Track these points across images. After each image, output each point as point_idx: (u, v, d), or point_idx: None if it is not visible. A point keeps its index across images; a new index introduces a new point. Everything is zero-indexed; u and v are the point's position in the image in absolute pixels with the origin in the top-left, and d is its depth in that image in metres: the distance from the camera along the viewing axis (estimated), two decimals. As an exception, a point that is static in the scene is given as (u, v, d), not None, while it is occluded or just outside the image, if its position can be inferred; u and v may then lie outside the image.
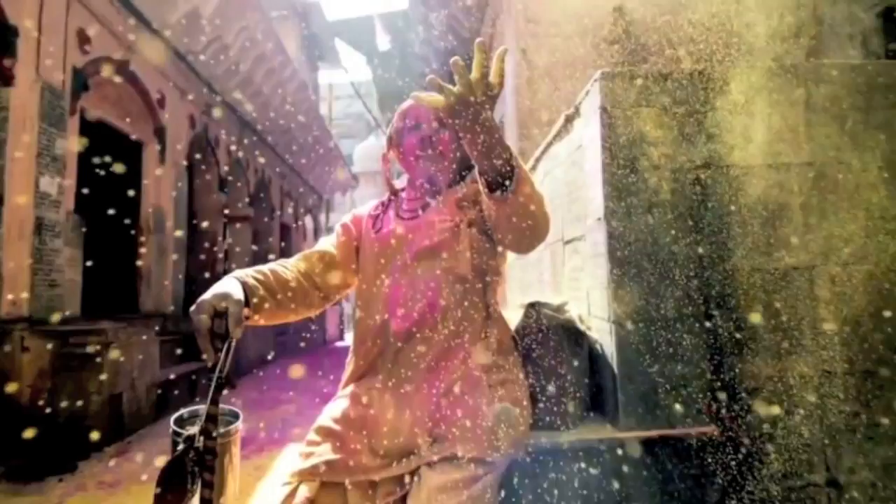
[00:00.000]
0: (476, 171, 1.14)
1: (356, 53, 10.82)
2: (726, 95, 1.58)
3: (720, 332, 1.55)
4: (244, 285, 1.22)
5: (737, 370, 1.55)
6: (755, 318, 1.55)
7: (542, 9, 4.83)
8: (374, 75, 11.05)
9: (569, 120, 2.03)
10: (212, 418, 1.09)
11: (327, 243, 1.54)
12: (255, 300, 1.23)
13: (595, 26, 4.66)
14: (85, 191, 4.87)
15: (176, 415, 1.19)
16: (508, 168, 1.10)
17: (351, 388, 1.42)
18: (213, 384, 1.08)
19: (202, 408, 1.10)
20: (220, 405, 1.13)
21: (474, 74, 1.01)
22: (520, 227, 1.16)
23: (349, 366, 1.48)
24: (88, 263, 4.99)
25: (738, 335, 1.55)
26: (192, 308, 1.11)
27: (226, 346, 1.10)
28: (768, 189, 1.57)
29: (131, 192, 5.86)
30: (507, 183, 1.10)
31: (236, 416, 1.25)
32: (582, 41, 4.69)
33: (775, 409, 1.56)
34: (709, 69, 1.63)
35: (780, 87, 1.58)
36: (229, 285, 1.17)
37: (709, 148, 1.58)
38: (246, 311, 1.18)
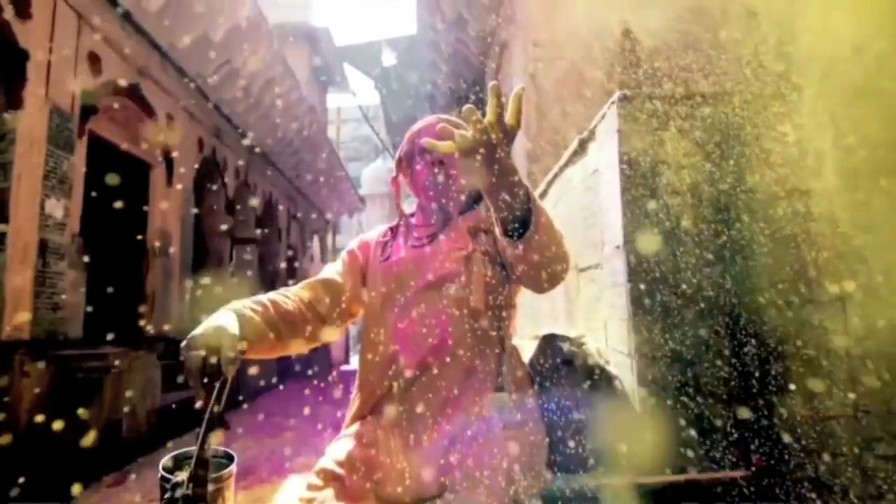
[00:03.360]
0: (491, 208, 1.08)
1: (364, 77, 10.92)
2: (752, 118, 1.50)
3: (749, 368, 1.45)
4: (240, 318, 1.14)
5: (768, 409, 1.45)
6: (786, 353, 1.45)
7: (550, 33, 4.82)
8: (382, 99, 11.14)
9: (583, 143, 1.96)
10: (202, 463, 1.00)
11: (332, 271, 1.47)
12: (251, 334, 1.16)
13: (603, 50, 4.64)
14: (91, 213, 4.84)
15: (166, 458, 1.10)
16: (526, 211, 1.03)
17: (356, 426, 1.33)
18: (203, 426, 0.99)
19: (194, 449, 1.02)
20: (214, 446, 1.05)
21: (489, 118, 0.96)
22: (538, 270, 1.09)
23: (354, 402, 1.40)
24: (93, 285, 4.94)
25: (768, 372, 1.45)
26: (183, 344, 1.03)
27: (218, 385, 1.02)
28: (799, 215, 1.48)
29: (138, 215, 5.84)
30: (525, 227, 1.03)
31: (230, 459, 1.16)
32: (590, 65, 4.67)
33: (810, 452, 1.45)
34: (729, 92, 1.56)
35: (809, 109, 1.50)
36: (223, 318, 1.10)
37: (734, 172, 1.50)
38: (242, 345, 1.11)
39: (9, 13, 3.86)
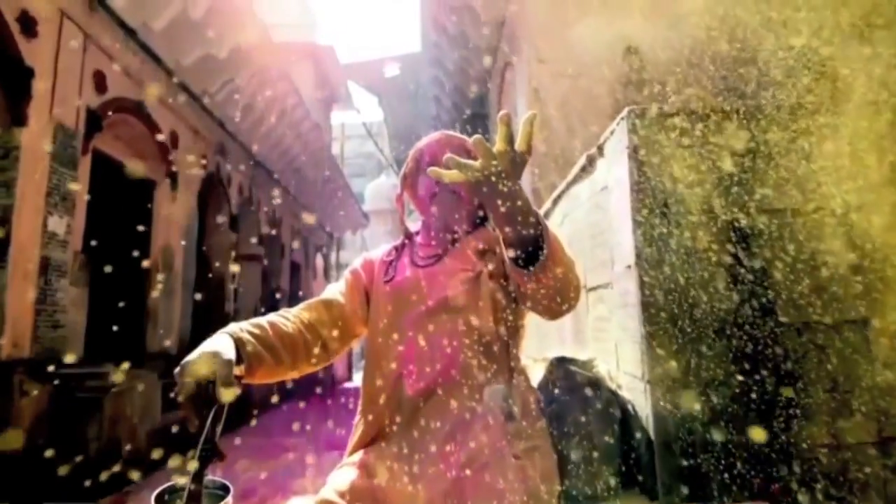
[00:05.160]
0: (500, 237, 1.04)
1: (369, 94, 10.97)
2: (770, 136, 1.46)
3: (768, 394, 1.39)
4: (237, 342, 1.09)
5: (788, 437, 1.38)
6: (807, 378, 1.39)
7: (554, 49, 4.82)
8: (386, 116, 11.19)
9: (591, 160, 1.92)
10: (195, 496, 0.95)
11: (335, 291, 1.42)
12: (249, 358, 1.11)
13: (608, 66, 4.62)
14: (94, 230, 4.82)
15: (158, 490, 1.05)
16: (537, 239, 0.99)
17: (359, 455, 1.27)
18: (196, 457, 0.94)
19: (188, 482, 0.97)
20: (209, 477, 1.00)
21: (499, 146, 0.93)
22: (548, 298, 1.05)
23: (357, 429, 1.34)
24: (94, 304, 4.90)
25: (788, 398, 1.39)
26: (177, 370, 0.99)
27: (212, 413, 0.97)
28: (818, 235, 1.43)
29: (141, 231, 5.82)
30: (536, 255, 0.99)
31: (226, 490, 1.10)
32: (595, 81, 4.66)
33: (832, 481, 1.38)
34: (746, 111, 1.51)
35: (828, 127, 1.46)
36: (219, 343, 1.05)
37: (752, 192, 1.45)
38: (238, 370, 1.06)
39: (15, 31, 3.88)
